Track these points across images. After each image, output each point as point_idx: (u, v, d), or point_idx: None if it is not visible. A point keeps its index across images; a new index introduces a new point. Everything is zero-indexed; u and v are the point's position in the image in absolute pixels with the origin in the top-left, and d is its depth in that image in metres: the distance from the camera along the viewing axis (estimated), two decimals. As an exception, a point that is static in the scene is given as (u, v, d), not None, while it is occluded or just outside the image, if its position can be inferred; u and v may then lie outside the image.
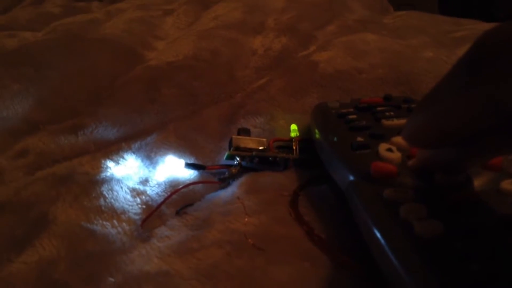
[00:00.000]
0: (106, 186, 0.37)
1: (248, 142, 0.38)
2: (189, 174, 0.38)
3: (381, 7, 0.84)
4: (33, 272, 0.29)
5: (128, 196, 0.36)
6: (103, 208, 0.34)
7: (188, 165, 0.38)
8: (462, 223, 0.21)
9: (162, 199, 0.34)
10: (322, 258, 0.26)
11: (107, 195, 0.36)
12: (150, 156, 0.41)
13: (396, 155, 0.27)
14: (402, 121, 0.32)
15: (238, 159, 0.37)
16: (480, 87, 0.17)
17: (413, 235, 0.20)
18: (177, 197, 0.35)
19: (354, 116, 0.35)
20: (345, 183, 0.28)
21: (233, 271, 0.26)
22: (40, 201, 0.36)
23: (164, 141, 0.42)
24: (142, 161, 0.40)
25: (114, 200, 0.35)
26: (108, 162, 0.40)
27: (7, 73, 0.53)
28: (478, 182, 0.24)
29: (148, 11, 0.78)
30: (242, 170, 0.37)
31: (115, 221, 0.33)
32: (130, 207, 0.35)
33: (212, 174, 0.38)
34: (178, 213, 0.33)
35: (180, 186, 0.35)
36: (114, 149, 0.42)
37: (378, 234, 0.21)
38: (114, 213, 0.34)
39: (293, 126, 0.41)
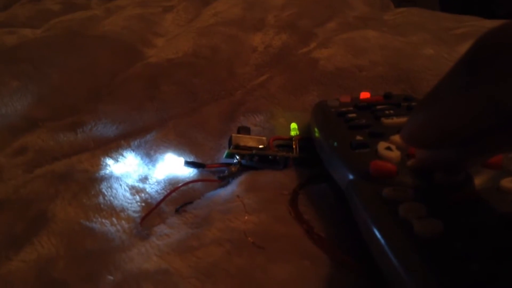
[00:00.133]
0: (105, 183, 0.37)
1: (248, 141, 0.38)
2: (189, 172, 0.38)
3: (381, 4, 0.84)
4: (32, 271, 0.29)
5: (128, 194, 0.36)
6: (102, 206, 0.34)
7: (188, 163, 0.38)
8: (462, 222, 0.21)
9: (161, 197, 0.34)
10: (322, 256, 0.26)
11: (106, 193, 0.36)
12: (149, 154, 0.41)
13: (395, 154, 0.27)
14: (402, 119, 0.32)
15: (237, 157, 0.37)
16: (480, 87, 0.17)
17: (412, 234, 0.20)
18: (177, 195, 0.35)
19: (354, 115, 0.35)
20: (344, 182, 0.28)
21: (233, 269, 0.26)
22: (39, 199, 0.36)
23: (163, 138, 0.42)
24: (142, 158, 0.40)
25: (113, 198, 0.35)
26: (107, 159, 0.40)
27: (6, 70, 0.53)
28: (478, 181, 0.24)
29: (147, 8, 0.78)
30: (242, 168, 0.37)
31: (114, 219, 0.33)
32: (129, 205, 0.35)
33: (212, 172, 0.38)
34: (177, 211, 0.33)
35: (180, 184, 0.35)
36: (113, 146, 0.42)
37: (377, 233, 0.21)
38: (113, 211, 0.34)
39: (293, 125, 0.40)
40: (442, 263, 0.18)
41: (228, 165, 0.38)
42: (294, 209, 0.31)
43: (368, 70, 0.50)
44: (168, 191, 0.35)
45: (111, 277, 0.28)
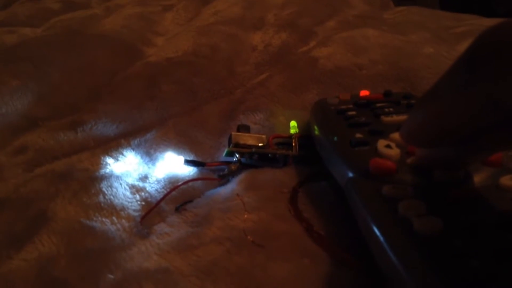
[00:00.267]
0: (106, 182, 0.37)
1: (247, 139, 0.38)
2: (189, 171, 0.38)
3: (381, 3, 0.84)
4: (33, 269, 0.29)
5: (128, 193, 0.36)
6: (102, 204, 0.34)
7: (188, 162, 0.38)
8: (461, 219, 0.21)
9: (161, 196, 0.34)
10: (322, 254, 0.26)
11: (106, 192, 0.36)
12: (149, 153, 0.41)
13: (395, 152, 0.27)
14: (402, 117, 0.32)
15: (237, 155, 0.37)
16: (479, 85, 0.17)
17: (412, 231, 0.20)
18: (177, 194, 0.35)
19: (354, 113, 0.35)
20: (344, 180, 0.28)
21: (233, 268, 0.26)
22: (39, 198, 0.36)
23: (163, 137, 0.42)
24: (142, 157, 0.40)
25: (113, 196, 0.35)
26: (107, 158, 0.40)
27: (7, 69, 0.53)
28: (477, 178, 0.24)
29: (147, 7, 0.78)
30: (242, 166, 0.37)
31: (114, 218, 0.33)
32: (130, 204, 0.35)
33: (212, 171, 0.38)
34: (177, 209, 0.33)
35: (180, 183, 0.35)
36: (113, 145, 0.42)
37: (377, 231, 0.21)
38: (113, 209, 0.34)
39: (293, 123, 0.40)
40: (441, 260, 0.18)
41: (228, 163, 0.38)
42: (294, 207, 0.31)
43: (368, 69, 0.50)
44: (168, 189, 0.35)
45: (111, 276, 0.28)
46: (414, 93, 0.40)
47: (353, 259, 0.26)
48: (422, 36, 0.59)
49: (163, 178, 0.37)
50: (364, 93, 0.40)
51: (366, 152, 0.28)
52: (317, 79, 0.49)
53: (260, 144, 0.38)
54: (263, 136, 0.39)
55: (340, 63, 0.51)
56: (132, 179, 0.37)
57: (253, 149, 0.37)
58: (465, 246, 0.19)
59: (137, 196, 0.35)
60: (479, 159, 0.25)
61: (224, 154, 0.38)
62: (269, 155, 0.37)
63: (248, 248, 0.27)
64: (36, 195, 0.36)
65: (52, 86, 0.51)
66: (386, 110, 0.34)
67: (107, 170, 0.39)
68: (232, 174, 0.36)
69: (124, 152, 0.41)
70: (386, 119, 0.33)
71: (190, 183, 0.36)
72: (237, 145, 0.38)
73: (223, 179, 0.37)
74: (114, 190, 0.36)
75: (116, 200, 0.35)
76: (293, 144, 0.38)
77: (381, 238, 0.21)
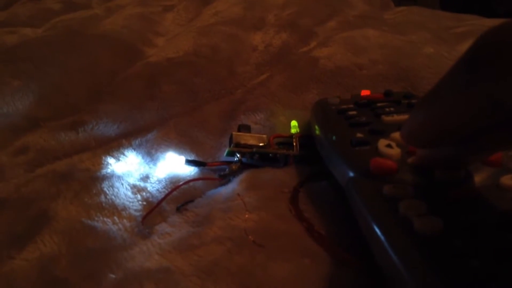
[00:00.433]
0: (107, 182, 0.37)
1: (248, 139, 0.38)
2: (190, 171, 0.38)
3: (381, 3, 0.84)
4: (34, 269, 0.29)
5: (129, 193, 0.36)
6: (103, 204, 0.35)
7: (189, 162, 0.38)
8: (461, 219, 0.21)
9: (162, 196, 0.34)
10: (322, 254, 0.27)
11: (107, 192, 0.36)
12: (150, 153, 0.41)
13: (395, 151, 0.27)
14: (402, 116, 0.32)
15: (238, 155, 0.37)
16: (480, 85, 0.17)
17: (412, 231, 0.20)
18: (178, 194, 0.35)
19: (354, 112, 0.35)
20: (344, 180, 0.28)
21: (234, 267, 0.26)
22: (41, 197, 0.36)
23: (164, 137, 0.42)
24: (143, 157, 0.40)
25: (114, 196, 0.35)
26: (108, 158, 0.40)
27: (7, 69, 0.53)
28: (478, 178, 0.24)
29: (148, 7, 0.78)
30: (243, 166, 0.37)
31: (115, 218, 0.33)
32: (131, 204, 0.35)
33: (213, 171, 0.39)
34: (178, 209, 0.33)
35: (181, 183, 0.35)
36: (114, 145, 0.42)
37: (377, 230, 0.21)
38: (114, 209, 0.34)
39: (293, 123, 0.41)
40: (441, 260, 0.18)
41: (229, 163, 0.38)
42: (295, 207, 0.31)
43: (368, 69, 0.50)
44: (169, 189, 0.35)
45: (112, 275, 0.28)
46: (415, 93, 0.40)
47: (353, 259, 0.26)
48: (423, 36, 0.59)
49: (164, 178, 0.37)
50: (364, 92, 0.40)
51: (367, 151, 0.28)
52: (317, 79, 0.49)
53: (261, 144, 0.38)
54: (264, 136, 0.39)
55: (341, 63, 0.51)
56: (133, 179, 0.37)
57: (254, 149, 0.37)
58: (466, 246, 0.19)
59: (138, 196, 0.35)
60: (480, 159, 0.25)
61: (225, 154, 0.38)
62: (270, 155, 0.37)
63: (249, 248, 0.27)
64: (37, 195, 0.36)
65: (53, 87, 0.51)
66: (387, 109, 0.34)
67: (109, 170, 0.39)
68: (233, 174, 0.37)
69: (125, 152, 0.41)
70: (386, 118, 0.33)
71: (191, 183, 0.36)
72: (238, 145, 0.38)
73: (224, 179, 0.37)
74: (116, 190, 0.36)
75: (118, 200, 0.35)
76: (294, 144, 0.38)
77: (382, 238, 0.21)
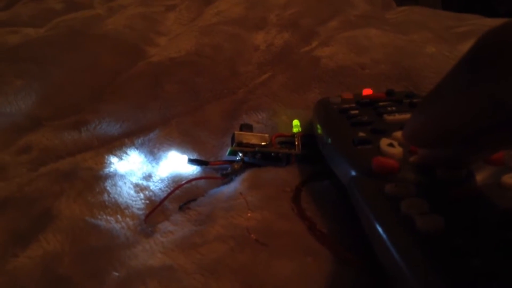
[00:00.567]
0: (110, 181, 0.37)
1: (250, 138, 0.38)
2: (192, 170, 0.39)
3: (383, 2, 0.84)
4: (38, 267, 0.29)
5: (132, 192, 0.36)
6: (106, 203, 0.35)
7: (191, 161, 0.38)
8: (463, 218, 0.21)
9: (165, 195, 0.34)
10: (324, 253, 0.27)
11: (110, 191, 0.36)
12: (153, 152, 0.41)
13: (397, 150, 0.27)
14: (404, 116, 0.32)
15: (240, 154, 0.37)
16: (482, 85, 0.17)
17: (414, 230, 0.20)
18: (180, 193, 0.35)
19: (356, 112, 0.35)
20: (346, 179, 0.28)
21: (236, 266, 0.26)
22: (44, 196, 0.36)
23: (167, 136, 0.42)
24: (145, 156, 0.41)
25: (117, 195, 0.35)
26: (111, 157, 0.40)
27: (10, 69, 0.54)
28: (479, 177, 0.24)
29: (150, 7, 0.78)
30: (245, 165, 0.37)
31: (118, 216, 0.33)
32: (134, 202, 0.35)
33: (215, 170, 0.39)
34: (181, 208, 0.34)
35: (183, 182, 0.36)
36: (117, 144, 0.42)
37: (379, 229, 0.22)
38: (117, 208, 0.34)
39: (295, 122, 0.41)
40: (443, 259, 0.18)
41: (231, 162, 0.38)
42: (297, 205, 0.31)
43: (370, 68, 0.50)
44: (172, 188, 0.35)
45: (116, 273, 0.28)
46: (417, 92, 0.40)
47: (355, 258, 0.26)
48: (424, 36, 0.59)
49: (167, 177, 0.38)
50: (366, 92, 0.40)
51: (369, 150, 0.28)
52: (319, 79, 0.49)
53: (263, 143, 0.38)
54: (266, 135, 0.39)
55: (343, 62, 0.51)
56: (136, 178, 0.38)
57: (256, 148, 0.37)
58: (467, 244, 0.19)
59: (141, 195, 0.36)
60: (481, 158, 0.25)
61: (227, 153, 0.38)
62: (272, 154, 0.37)
63: (252, 246, 0.27)
64: (40, 193, 0.36)
65: (55, 86, 0.52)
66: (389, 109, 0.34)
67: (111, 169, 0.39)
68: (235, 173, 0.37)
69: (128, 151, 0.41)
70: (388, 118, 0.33)
71: (193, 182, 0.36)
72: (240, 144, 0.38)
73: (226, 178, 0.37)
74: (118, 188, 0.36)
75: (121, 199, 0.35)
76: (296, 143, 0.38)
77: (384, 236, 0.21)
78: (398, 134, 0.28)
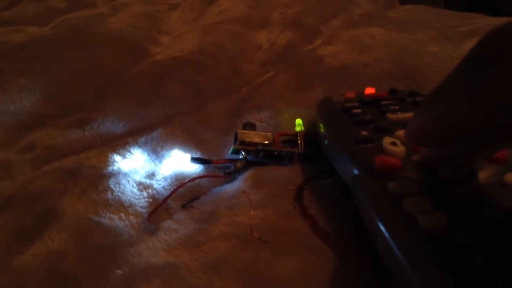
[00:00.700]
0: (113, 179, 0.37)
1: (253, 137, 0.38)
2: (195, 168, 0.39)
3: (386, 1, 0.84)
4: (42, 264, 0.30)
5: (135, 190, 0.36)
6: (110, 201, 0.35)
7: (194, 159, 0.38)
8: (466, 216, 0.21)
9: (168, 193, 0.34)
10: (327, 251, 0.27)
11: (114, 189, 0.36)
12: (156, 150, 0.41)
13: (400, 149, 0.27)
14: (407, 114, 0.32)
15: (243, 153, 0.38)
16: (484, 85, 0.17)
17: (417, 228, 0.20)
18: (183, 191, 0.35)
19: (359, 110, 0.35)
20: (349, 177, 0.28)
21: (239, 263, 0.26)
22: (48, 194, 0.36)
23: (170, 135, 0.43)
24: (149, 155, 0.41)
25: (121, 193, 0.36)
26: (115, 156, 0.40)
27: (14, 67, 0.54)
28: (482, 175, 0.24)
29: (153, 6, 0.78)
30: (248, 164, 0.37)
31: (122, 214, 0.33)
32: (137, 201, 0.35)
33: (218, 168, 0.39)
34: (184, 206, 0.34)
35: (186, 180, 0.36)
36: (120, 143, 0.42)
37: (382, 228, 0.22)
38: (121, 206, 0.34)
39: (298, 121, 0.41)
40: (446, 257, 0.18)
41: (234, 161, 0.38)
42: (299, 204, 0.31)
43: (373, 67, 0.50)
44: (175, 187, 0.35)
45: (119, 271, 0.28)
46: (420, 91, 0.40)
47: (358, 256, 0.26)
48: (427, 35, 0.59)
49: (170, 176, 0.38)
50: (369, 90, 0.40)
51: (372, 149, 0.28)
52: (322, 77, 0.49)
53: (266, 142, 0.38)
54: (269, 134, 0.39)
55: (345, 61, 0.51)
56: (139, 177, 0.38)
57: (259, 147, 0.37)
58: (470, 242, 0.19)
59: (145, 193, 0.36)
60: (484, 157, 0.25)
61: (230, 151, 0.38)
62: (275, 152, 0.37)
63: (254, 245, 0.27)
64: (44, 191, 0.36)
65: (59, 85, 0.52)
66: (392, 107, 0.34)
67: (115, 168, 0.39)
68: (238, 171, 0.37)
69: (131, 150, 0.41)
70: (391, 116, 0.33)
71: (196, 181, 0.36)
72: (243, 142, 0.38)
73: (229, 176, 0.37)
74: (122, 187, 0.36)
75: (124, 197, 0.35)
76: (299, 142, 0.38)
77: (386, 235, 0.21)
78: (401, 133, 0.28)
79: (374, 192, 0.24)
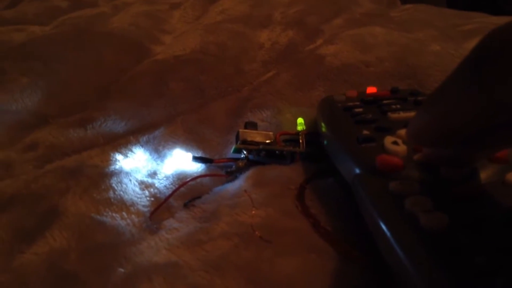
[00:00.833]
0: (115, 178, 0.37)
1: (255, 136, 0.38)
2: (197, 167, 0.39)
3: (388, 1, 0.84)
4: (44, 263, 0.30)
5: (137, 189, 0.36)
6: (112, 200, 0.35)
7: (196, 159, 0.38)
8: (467, 215, 0.21)
9: (170, 192, 0.35)
10: (329, 250, 0.27)
11: (116, 188, 0.36)
12: (158, 149, 0.41)
13: (401, 148, 0.27)
14: (409, 113, 0.32)
15: (245, 152, 0.38)
16: (484, 85, 0.17)
17: (418, 227, 0.20)
18: (185, 190, 0.35)
19: (360, 110, 0.35)
20: (351, 176, 0.28)
21: (241, 262, 0.26)
22: (50, 193, 0.36)
23: (171, 134, 0.43)
24: (150, 154, 0.41)
25: (123, 192, 0.36)
26: (117, 155, 0.40)
27: (16, 66, 0.54)
28: (484, 175, 0.24)
29: (154, 5, 0.78)
30: (249, 163, 0.37)
31: (124, 213, 0.33)
32: (139, 200, 0.35)
33: (220, 167, 0.39)
34: (186, 205, 0.34)
35: (188, 179, 0.36)
36: (122, 142, 0.42)
37: (383, 227, 0.22)
38: (123, 205, 0.34)
39: (300, 120, 0.41)
40: (447, 256, 0.18)
41: (236, 160, 0.38)
42: (301, 203, 0.31)
43: (375, 66, 0.50)
44: (177, 186, 0.35)
45: (121, 270, 0.28)
46: (421, 90, 0.40)
47: (360, 255, 0.26)
48: (429, 34, 0.59)
49: (172, 175, 0.38)
50: (371, 90, 0.40)
51: (373, 148, 0.28)
52: (323, 77, 0.49)
53: (267, 141, 0.38)
54: (270, 133, 0.39)
55: (347, 60, 0.51)
56: (141, 175, 0.38)
57: (261, 146, 0.37)
58: (471, 242, 0.19)
59: (146, 192, 0.36)
60: (485, 156, 0.25)
61: (231, 151, 0.39)
62: (277, 152, 0.37)
63: (256, 243, 0.27)
64: (46, 191, 0.36)
65: (61, 84, 0.52)
66: (393, 106, 0.34)
67: (117, 167, 0.39)
68: (240, 170, 0.37)
69: (133, 149, 0.41)
70: (393, 115, 0.33)
71: (198, 180, 0.36)
72: (244, 142, 0.38)
73: (231, 175, 0.37)
74: (124, 186, 0.36)
75: (126, 196, 0.35)
76: (300, 141, 0.38)
77: (388, 234, 0.21)
78: (403, 132, 0.28)
79: (376, 191, 0.24)
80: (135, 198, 0.35)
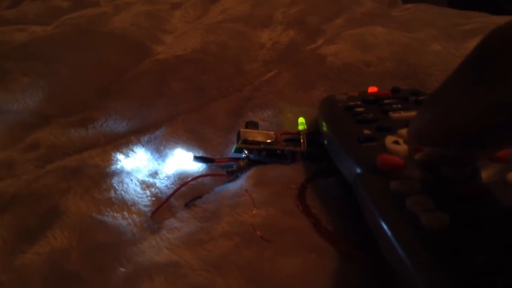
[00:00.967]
0: (116, 178, 0.37)
1: (256, 135, 0.38)
2: (198, 167, 0.39)
3: (389, 0, 0.84)
4: (45, 263, 0.30)
5: (138, 189, 0.36)
6: (113, 200, 0.35)
7: (197, 158, 0.38)
8: (468, 215, 0.21)
9: (171, 192, 0.35)
10: (329, 250, 0.27)
11: (117, 187, 0.36)
12: (159, 149, 0.41)
13: (402, 148, 0.27)
14: (410, 113, 0.32)
15: (246, 152, 0.38)
16: (485, 84, 0.17)
17: (419, 227, 0.20)
18: (186, 190, 0.35)
19: (361, 109, 0.35)
20: (352, 176, 0.28)
21: (242, 262, 0.26)
22: (51, 193, 0.36)
23: (172, 134, 0.43)
24: (151, 154, 0.41)
25: (124, 192, 0.36)
26: (118, 155, 0.41)
27: (17, 66, 0.54)
28: (485, 174, 0.24)
29: (155, 5, 0.78)
30: (250, 163, 0.37)
31: (125, 213, 0.34)
32: (140, 199, 0.35)
33: (221, 167, 0.39)
34: (187, 205, 0.34)
35: (189, 179, 0.36)
36: (123, 142, 0.42)
37: (384, 226, 0.22)
38: (124, 205, 0.34)
39: (301, 119, 0.41)
40: (448, 255, 0.18)
41: (237, 159, 0.38)
42: (302, 203, 0.31)
43: (376, 66, 0.50)
44: (178, 185, 0.35)
45: (123, 269, 0.28)
46: (422, 90, 0.40)
47: (360, 254, 0.26)
48: (430, 34, 0.59)
49: (173, 174, 0.38)
50: (372, 89, 0.40)
51: (374, 148, 0.28)
52: (324, 76, 0.49)
53: (268, 141, 0.38)
54: (271, 132, 0.39)
55: (348, 60, 0.51)
56: (142, 175, 0.38)
57: (262, 146, 0.37)
58: (472, 241, 0.19)
59: (148, 192, 0.36)
60: (486, 156, 0.25)
61: (232, 150, 0.39)
62: (278, 151, 0.37)
63: (257, 243, 0.27)
64: (48, 190, 0.36)
65: (62, 84, 0.52)
66: (394, 106, 0.34)
67: (118, 166, 0.39)
68: (241, 170, 0.37)
69: (134, 149, 0.41)
70: (394, 115, 0.33)
71: (199, 179, 0.36)
72: (245, 141, 0.38)
73: (232, 175, 0.37)
74: (125, 185, 0.36)
75: (127, 196, 0.35)
76: (301, 141, 0.38)
77: (389, 233, 0.21)
78: (404, 131, 0.28)
79: (377, 190, 0.24)
80: (136, 198, 0.35)
